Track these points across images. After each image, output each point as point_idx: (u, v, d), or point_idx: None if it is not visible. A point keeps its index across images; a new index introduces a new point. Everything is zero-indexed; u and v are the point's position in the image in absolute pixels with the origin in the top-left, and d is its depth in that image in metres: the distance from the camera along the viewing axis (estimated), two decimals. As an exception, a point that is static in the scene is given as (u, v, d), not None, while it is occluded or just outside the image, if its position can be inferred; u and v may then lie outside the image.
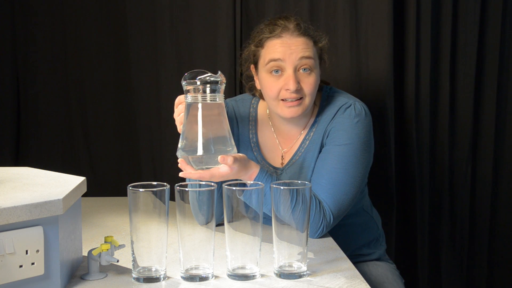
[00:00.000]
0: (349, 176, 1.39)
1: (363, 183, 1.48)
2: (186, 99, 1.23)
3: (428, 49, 1.89)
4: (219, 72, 1.23)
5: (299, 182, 1.14)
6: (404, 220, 1.98)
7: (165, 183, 1.10)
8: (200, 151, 1.21)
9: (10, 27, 2.21)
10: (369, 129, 1.45)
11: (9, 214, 0.93)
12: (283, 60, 1.38)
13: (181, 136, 1.26)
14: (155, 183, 1.10)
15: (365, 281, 1.10)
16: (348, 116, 1.42)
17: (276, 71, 1.40)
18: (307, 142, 1.48)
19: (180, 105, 1.31)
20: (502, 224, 1.99)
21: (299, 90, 1.38)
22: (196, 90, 1.21)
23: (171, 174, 2.07)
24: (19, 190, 1.05)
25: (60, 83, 2.26)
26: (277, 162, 1.52)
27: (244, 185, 1.13)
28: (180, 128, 1.30)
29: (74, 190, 1.08)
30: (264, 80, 1.43)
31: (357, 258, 1.57)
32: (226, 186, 1.09)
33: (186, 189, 1.09)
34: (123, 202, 1.76)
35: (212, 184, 1.11)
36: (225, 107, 1.57)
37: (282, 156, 1.53)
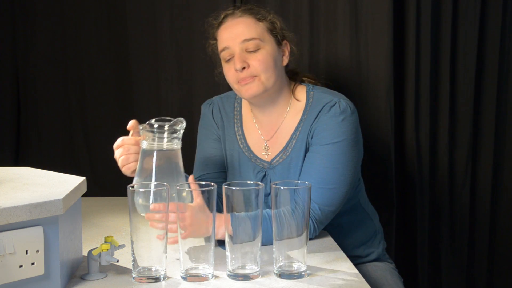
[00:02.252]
0: (339, 174, 1.38)
1: (355, 179, 1.47)
2: (142, 144, 1.20)
3: (428, 49, 1.89)
4: (179, 118, 1.20)
5: (299, 182, 1.14)
6: (404, 220, 1.98)
7: (165, 183, 1.10)
8: (152, 200, 1.15)
9: (10, 27, 2.21)
10: (356, 126, 1.44)
11: (9, 214, 0.93)
12: (229, 47, 1.43)
13: (134, 181, 1.22)
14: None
15: (365, 280, 1.10)
16: (333, 114, 1.41)
17: (230, 60, 1.44)
18: (294, 142, 1.47)
19: (121, 147, 1.29)
20: (502, 224, 1.99)
21: (247, 68, 1.41)
22: (152, 137, 1.18)
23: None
24: (19, 190, 1.05)
25: (60, 83, 2.25)
26: (261, 153, 1.52)
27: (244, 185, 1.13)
28: (123, 169, 1.30)
29: (74, 190, 1.08)
30: (223, 69, 1.48)
31: (355, 260, 1.54)
32: (226, 186, 1.09)
33: (186, 189, 1.09)
34: (123, 202, 1.75)
35: (212, 184, 1.11)
36: (210, 105, 1.58)
37: (265, 147, 1.52)
